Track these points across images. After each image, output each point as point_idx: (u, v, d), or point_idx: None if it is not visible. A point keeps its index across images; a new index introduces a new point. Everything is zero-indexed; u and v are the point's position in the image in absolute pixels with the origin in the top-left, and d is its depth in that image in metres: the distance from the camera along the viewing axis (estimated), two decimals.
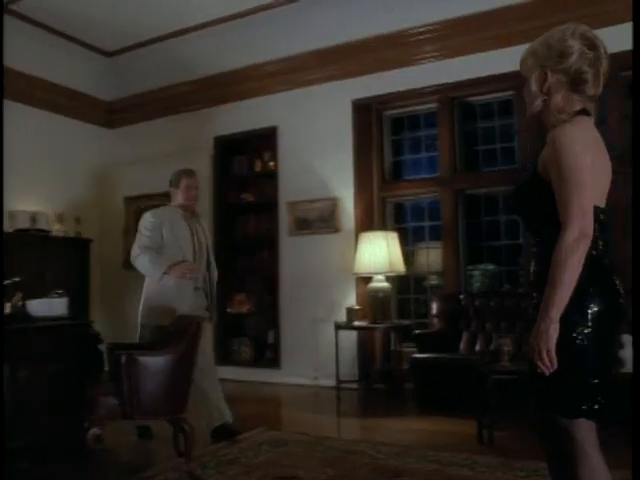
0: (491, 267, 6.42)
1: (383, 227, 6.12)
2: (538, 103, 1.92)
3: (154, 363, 3.17)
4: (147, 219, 4.05)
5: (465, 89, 5.96)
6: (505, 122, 6.02)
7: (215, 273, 4.27)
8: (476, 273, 6.43)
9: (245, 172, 6.91)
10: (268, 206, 6.61)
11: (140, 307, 4.04)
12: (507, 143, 6.01)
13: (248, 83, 6.56)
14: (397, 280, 6.11)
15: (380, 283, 5.61)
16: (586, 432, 1.77)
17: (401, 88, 6.00)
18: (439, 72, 5.82)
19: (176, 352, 3.22)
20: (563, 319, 1.71)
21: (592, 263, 1.74)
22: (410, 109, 6.34)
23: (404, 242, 6.01)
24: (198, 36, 6.43)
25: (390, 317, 5.58)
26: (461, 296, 5.59)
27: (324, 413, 5.06)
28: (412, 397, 5.04)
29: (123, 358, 3.10)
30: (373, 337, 5.98)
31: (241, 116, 6.57)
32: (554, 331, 1.69)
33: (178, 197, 4.15)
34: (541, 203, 1.84)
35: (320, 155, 6.23)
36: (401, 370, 5.48)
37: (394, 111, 6.40)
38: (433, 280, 6.37)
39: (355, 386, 5.70)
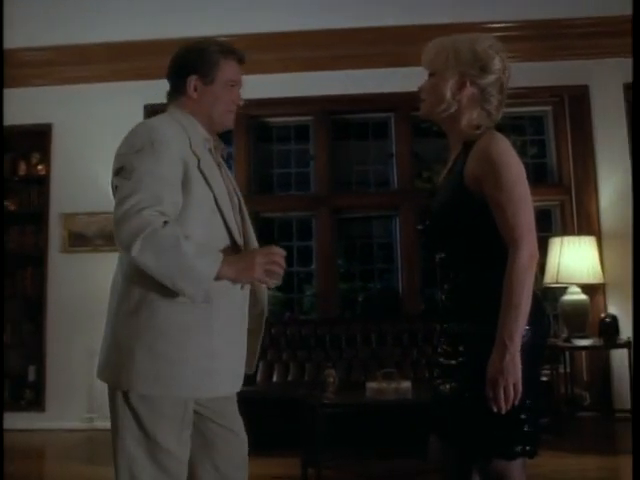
0: (278, 294, 6.30)
1: None
2: (449, 112, 1.75)
3: None
4: (152, 136, 1.72)
5: (262, 109, 5.78)
6: (301, 147, 5.98)
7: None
8: None
9: (6, 175, 5.74)
10: (35, 217, 5.63)
11: (128, 359, 1.67)
12: (302, 168, 5.97)
13: (16, 69, 5.47)
14: None
15: None
16: (519, 471, 1.64)
17: None
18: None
19: None
20: None
21: None
22: None
23: None
24: None
25: None
26: None
27: (102, 464, 3.97)
28: None
29: None
30: None
31: (4, 107, 5.46)
32: (519, 361, 1.55)
33: (206, 104, 1.87)
34: (470, 219, 1.68)
35: (105, 163, 5.29)
36: None
37: None
38: None
39: None
